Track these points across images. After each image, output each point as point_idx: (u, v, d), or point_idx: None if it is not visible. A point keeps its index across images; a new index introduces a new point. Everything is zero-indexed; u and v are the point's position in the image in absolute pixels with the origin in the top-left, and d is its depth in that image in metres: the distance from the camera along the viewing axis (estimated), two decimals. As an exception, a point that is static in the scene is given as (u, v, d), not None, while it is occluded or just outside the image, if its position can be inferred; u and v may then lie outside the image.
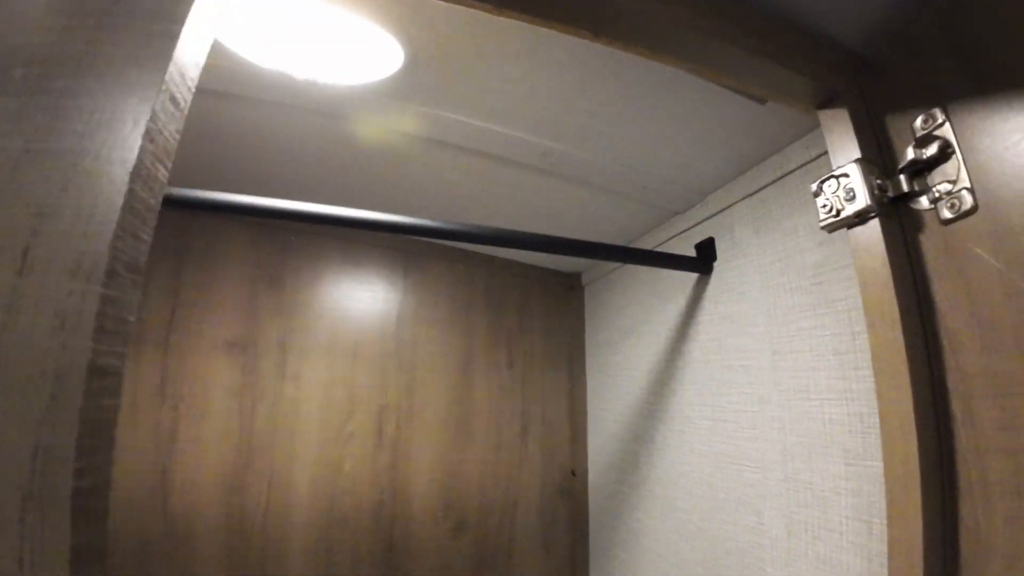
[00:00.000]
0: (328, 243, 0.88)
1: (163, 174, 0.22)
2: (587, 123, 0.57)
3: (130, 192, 0.20)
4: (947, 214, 0.35)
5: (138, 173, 0.20)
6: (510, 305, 0.97)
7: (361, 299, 0.88)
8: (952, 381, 0.35)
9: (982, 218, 0.33)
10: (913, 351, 0.36)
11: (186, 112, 0.24)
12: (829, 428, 0.49)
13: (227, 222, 0.83)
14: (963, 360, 0.34)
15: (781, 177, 0.58)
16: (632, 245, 0.84)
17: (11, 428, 0.18)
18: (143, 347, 0.77)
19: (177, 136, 0.23)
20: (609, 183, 0.68)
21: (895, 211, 0.38)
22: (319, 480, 0.81)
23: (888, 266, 0.36)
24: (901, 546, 0.35)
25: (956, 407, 0.35)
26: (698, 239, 0.70)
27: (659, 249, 0.77)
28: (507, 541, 0.88)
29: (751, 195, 0.62)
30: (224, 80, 0.52)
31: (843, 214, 0.39)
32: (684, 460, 0.69)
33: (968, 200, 0.34)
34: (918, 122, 0.37)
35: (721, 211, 0.66)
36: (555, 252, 0.61)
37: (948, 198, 0.35)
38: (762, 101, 0.48)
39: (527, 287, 0.99)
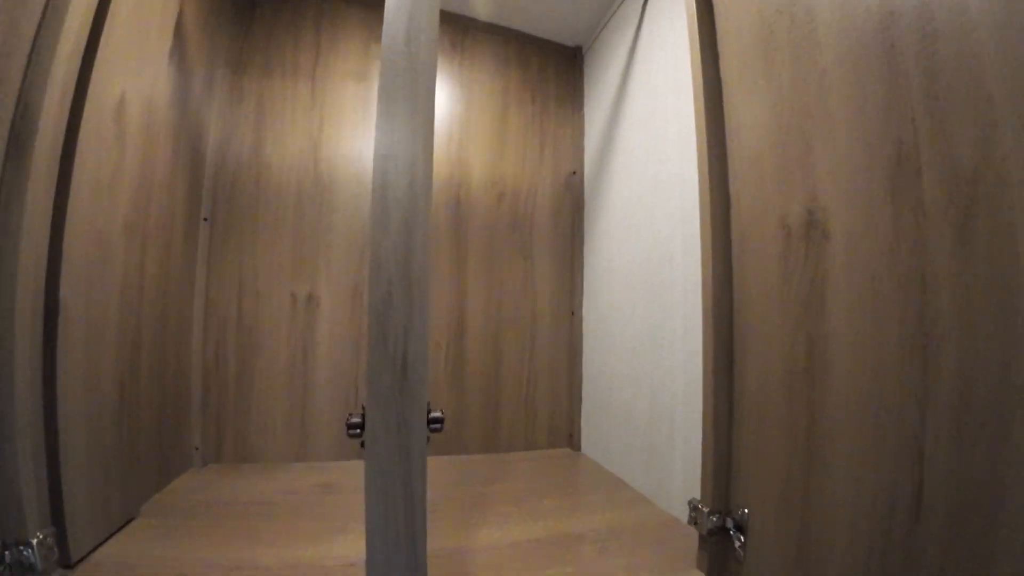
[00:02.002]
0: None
1: None
2: None
3: None
4: None
5: None
6: (533, 65, 1.49)
7: (435, 54, 1.41)
8: None
9: None
10: None
11: None
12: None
13: (349, 5, 1.36)
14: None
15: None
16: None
17: None
18: (299, 78, 1.31)
19: None
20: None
21: None
22: (412, 159, 1.34)
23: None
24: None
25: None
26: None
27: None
28: (531, 211, 1.42)
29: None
30: None
31: None
32: (631, 140, 1.20)
33: None
34: None
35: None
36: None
37: None
38: None
39: (545, 54, 1.50)
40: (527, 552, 0.80)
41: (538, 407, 1.41)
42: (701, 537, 0.73)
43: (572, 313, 1.43)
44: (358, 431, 0.53)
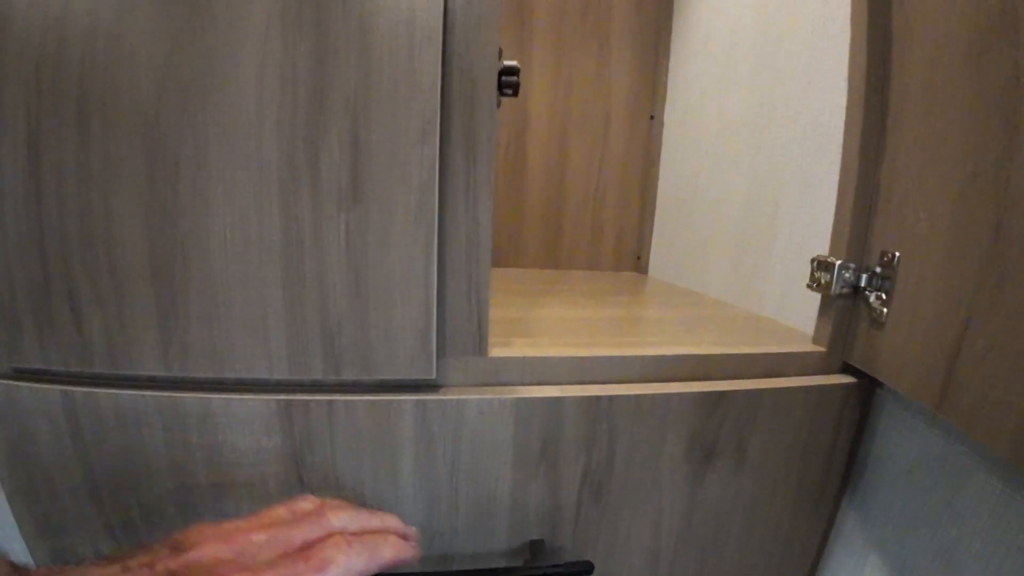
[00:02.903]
0: None
1: None
2: None
3: None
4: None
5: None
6: None
7: None
8: None
9: None
10: None
11: None
12: None
13: None
14: None
15: None
16: None
17: None
18: None
19: None
20: None
21: None
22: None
23: None
24: None
25: None
26: None
27: None
28: (609, -9, 1.20)
29: None
30: None
31: None
32: None
33: None
34: None
35: None
36: None
37: None
38: None
39: None
40: (601, 325, 0.70)
41: (605, 223, 1.28)
42: (824, 302, 0.61)
43: (651, 117, 1.25)
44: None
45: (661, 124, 1.23)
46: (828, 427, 0.59)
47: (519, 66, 0.44)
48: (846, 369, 0.60)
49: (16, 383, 0.45)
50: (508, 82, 0.44)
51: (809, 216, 0.73)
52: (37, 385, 0.45)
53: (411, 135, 0.42)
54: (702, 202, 1.05)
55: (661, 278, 1.22)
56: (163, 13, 0.40)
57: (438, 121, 0.42)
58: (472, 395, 0.47)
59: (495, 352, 0.49)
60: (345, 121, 0.41)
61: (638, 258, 1.30)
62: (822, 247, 0.64)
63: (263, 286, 0.42)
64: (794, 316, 0.75)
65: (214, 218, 0.41)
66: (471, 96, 0.44)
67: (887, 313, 0.54)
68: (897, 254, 0.52)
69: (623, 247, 1.30)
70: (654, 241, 1.27)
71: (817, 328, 0.62)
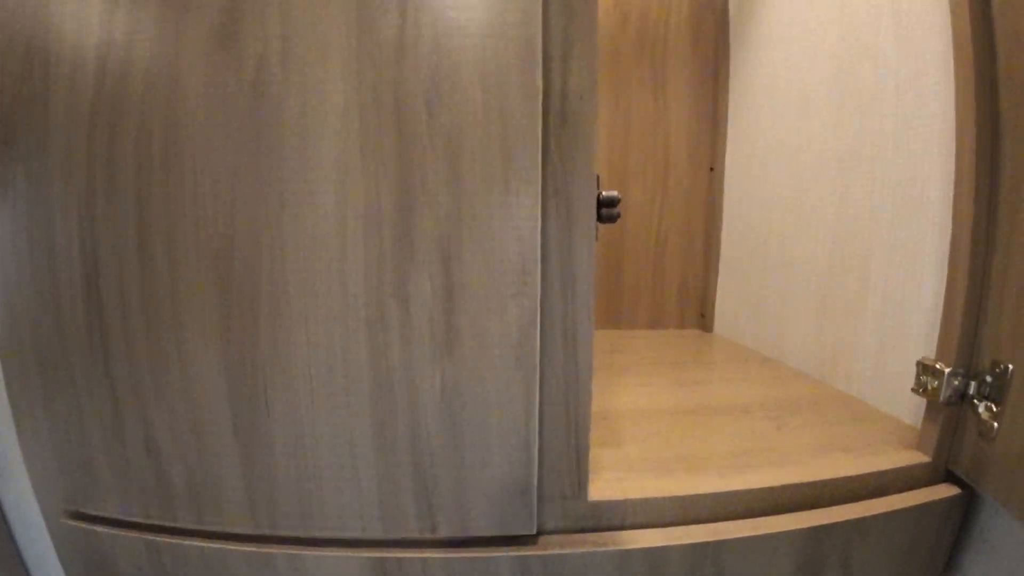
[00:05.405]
0: None
1: None
2: None
3: None
4: None
5: None
6: None
7: None
8: None
9: None
10: None
11: None
12: None
13: None
14: None
15: None
16: None
17: None
18: None
19: None
20: None
21: None
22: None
23: None
24: None
25: None
26: None
27: None
28: (663, 37, 1.23)
29: None
30: None
31: None
32: None
33: None
34: None
35: None
36: None
37: None
38: None
39: None
40: (686, 421, 0.71)
41: (667, 278, 1.29)
42: (930, 408, 0.61)
43: (711, 169, 1.26)
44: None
45: (722, 176, 1.25)
46: (931, 537, 0.59)
47: (620, 196, 0.46)
48: (948, 475, 0.61)
49: (93, 528, 0.47)
50: (608, 215, 0.47)
51: (903, 290, 0.73)
52: (117, 531, 0.47)
53: (508, 280, 0.43)
54: (774, 260, 1.06)
55: (728, 336, 1.22)
56: (223, 137, 0.40)
57: (538, 267, 0.43)
58: (573, 549, 0.47)
59: (595, 495, 0.50)
60: (436, 263, 0.42)
61: (702, 315, 1.30)
62: (918, 325, 0.66)
63: (353, 440, 0.44)
64: (886, 398, 0.75)
65: (297, 366, 0.43)
66: (568, 232, 0.45)
67: (998, 428, 0.54)
68: (1011, 367, 0.53)
69: (686, 304, 1.31)
70: (719, 298, 1.27)
71: (922, 435, 0.62)
